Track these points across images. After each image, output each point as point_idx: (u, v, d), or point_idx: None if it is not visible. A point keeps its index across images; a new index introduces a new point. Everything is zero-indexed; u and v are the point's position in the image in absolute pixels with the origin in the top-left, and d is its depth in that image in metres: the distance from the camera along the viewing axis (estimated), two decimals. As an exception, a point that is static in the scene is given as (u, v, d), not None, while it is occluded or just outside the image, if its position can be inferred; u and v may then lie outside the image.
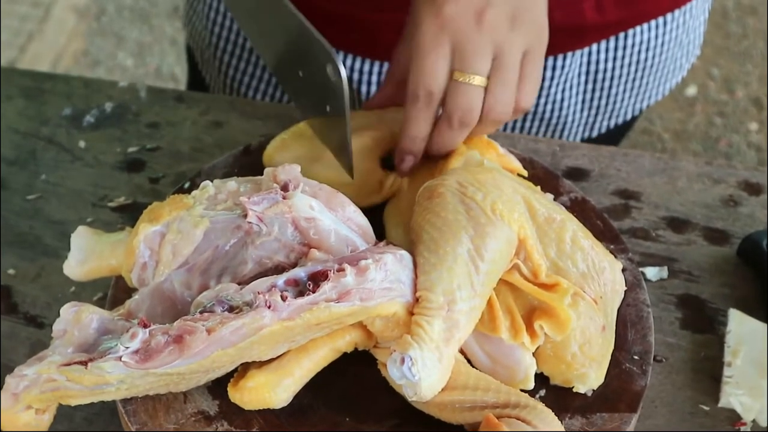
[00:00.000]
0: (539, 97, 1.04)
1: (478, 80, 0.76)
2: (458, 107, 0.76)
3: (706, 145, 2.44)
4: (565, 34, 1.00)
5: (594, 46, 1.03)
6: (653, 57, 1.07)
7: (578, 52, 1.03)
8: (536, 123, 1.07)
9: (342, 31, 1.00)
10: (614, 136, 1.16)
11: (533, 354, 0.72)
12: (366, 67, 1.02)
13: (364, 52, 1.01)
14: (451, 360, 0.69)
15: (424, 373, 0.66)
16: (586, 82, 1.06)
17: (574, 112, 1.08)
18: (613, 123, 1.12)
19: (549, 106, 1.06)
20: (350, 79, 1.03)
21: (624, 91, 1.08)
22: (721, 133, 2.50)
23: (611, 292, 0.75)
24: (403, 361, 0.66)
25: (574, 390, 0.73)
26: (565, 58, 1.02)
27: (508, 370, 0.72)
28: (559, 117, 1.07)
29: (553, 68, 1.03)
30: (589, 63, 1.04)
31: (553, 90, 1.04)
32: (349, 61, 1.02)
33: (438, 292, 0.69)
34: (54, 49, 2.59)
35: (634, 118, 1.15)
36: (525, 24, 0.76)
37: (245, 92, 1.09)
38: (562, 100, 1.06)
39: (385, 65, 1.02)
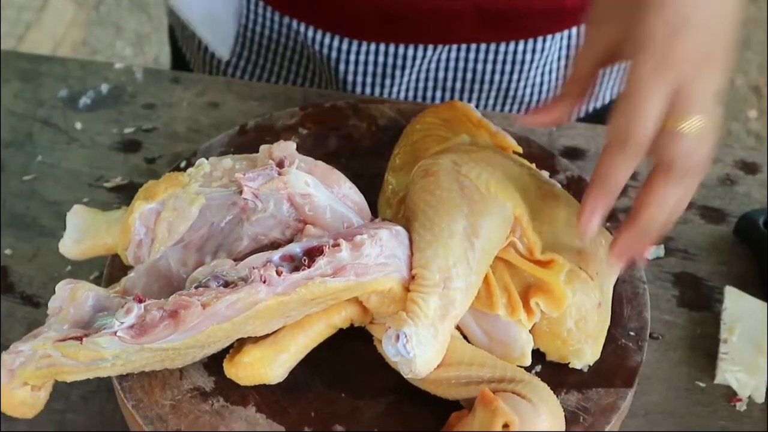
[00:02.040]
0: (519, 80, 1.04)
1: (697, 125, 0.64)
2: (676, 157, 0.65)
3: (705, 133, 2.44)
4: (546, 17, 1.00)
5: (574, 29, 1.03)
6: None
7: (558, 35, 1.03)
8: (515, 106, 1.07)
9: (322, 10, 1.00)
10: (598, 119, 1.15)
11: (529, 331, 0.72)
12: (344, 46, 1.02)
13: (345, 31, 1.01)
14: (446, 337, 0.69)
15: (419, 350, 0.66)
16: (567, 66, 1.05)
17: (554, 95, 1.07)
18: (591, 107, 1.11)
19: (528, 90, 1.06)
20: (328, 57, 1.03)
21: (603, 74, 1.07)
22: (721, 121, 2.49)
23: (607, 269, 0.75)
24: (398, 338, 0.66)
25: (570, 366, 0.73)
26: (545, 41, 1.02)
27: (504, 347, 0.72)
28: (538, 100, 1.07)
29: (533, 51, 1.02)
30: (569, 46, 1.04)
31: (532, 73, 1.04)
32: (327, 40, 1.01)
33: (433, 269, 0.69)
34: (52, 38, 2.58)
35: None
36: (717, 57, 0.66)
37: (224, 70, 1.09)
38: (542, 83, 1.06)
39: (364, 44, 1.01)
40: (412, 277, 0.70)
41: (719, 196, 0.92)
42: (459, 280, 0.69)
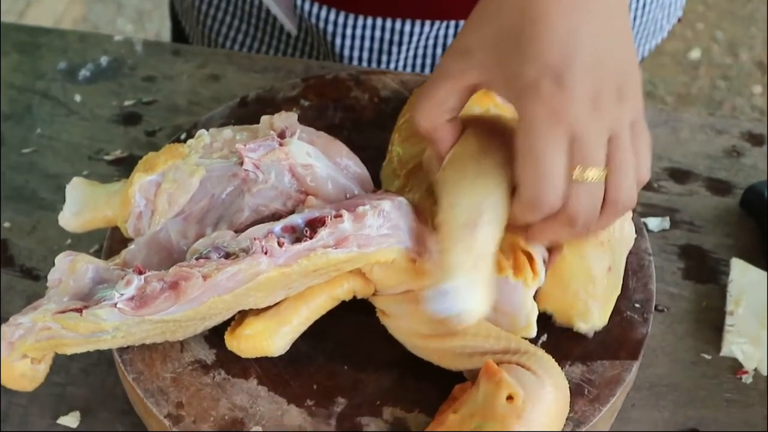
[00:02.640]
0: None
1: (598, 174, 0.63)
2: (583, 209, 0.64)
3: (709, 109, 2.43)
4: None
5: None
6: (633, 18, 1.05)
7: None
8: None
9: None
10: None
11: (538, 294, 0.71)
12: (341, 20, 1.00)
13: (342, 4, 1.00)
14: (487, 278, 0.66)
15: (463, 302, 0.64)
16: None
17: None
18: None
19: None
20: (325, 31, 1.01)
21: None
22: (725, 96, 2.48)
23: (619, 237, 0.74)
24: (439, 295, 0.64)
25: (576, 329, 0.72)
26: None
27: (509, 317, 0.71)
28: None
29: None
30: None
31: None
32: (324, 13, 1.00)
33: (458, 211, 0.67)
34: (53, 15, 2.57)
35: None
36: (629, 94, 0.64)
37: (223, 43, 1.08)
38: None
39: (361, 18, 1.00)
40: (437, 227, 0.67)
41: (725, 167, 0.91)
42: (486, 214, 0.66)
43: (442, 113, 0.68)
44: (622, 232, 0.74)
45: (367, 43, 1.03)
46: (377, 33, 1.02)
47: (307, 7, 1.01)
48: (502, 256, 0.70)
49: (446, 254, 0.65)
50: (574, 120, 0.62)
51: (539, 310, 0.71)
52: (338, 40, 1.02)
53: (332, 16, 1.01)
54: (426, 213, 0.72)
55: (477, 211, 0.66)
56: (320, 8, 1.00)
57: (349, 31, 1.02)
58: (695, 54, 2.56)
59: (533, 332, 0.71)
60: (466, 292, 0.64)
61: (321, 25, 1.01)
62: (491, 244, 0.66)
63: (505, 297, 0.70)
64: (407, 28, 1.00)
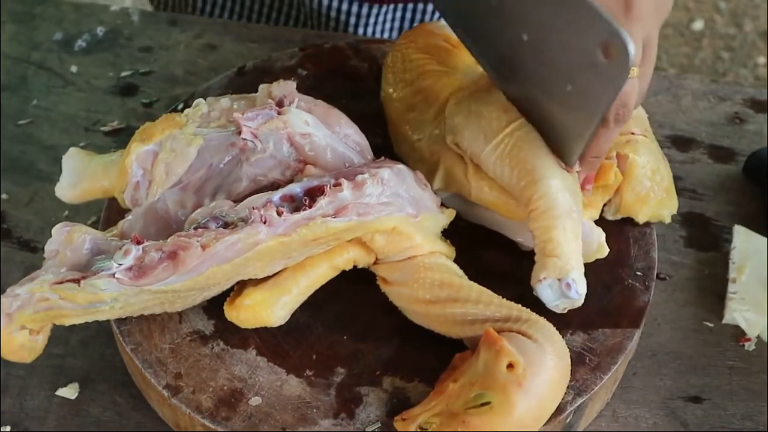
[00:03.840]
0: None
1: (637, 71, 0.67)
2: (617, 104, 0.66)
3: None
4: None
5: None
6: None
7: None
8: None
9: None
10: None
11: (619, 211, 0.76)
12: (364, 11, 1.01)
13: None
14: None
15: (582, 288, 0.66)
16: None
17: None
18: None
19: None
20: (347, 23, 1.02)
21: None
22: (728, 67, 2.46)
23: (647, 128, 0.78)
24: (568, 286, 0.66)
25: (660, 221, 0.77)
26: None
27: (584, 245, 0.71)
28: None
29: None
30: None
31: None
32: (345, 6, 1.00)
33: (561, 197, 0.68)
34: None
35: None
36: (664, 7, 0.70)
37: (220, 14, 1.07)
38: None
39: (384, 7, 1.00)
40: (532, 212, 0.68)
41: (727, 134, 0.90)
42: (578, 195, 0.70)
43: None
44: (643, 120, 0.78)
45: (388, 26, 1.04)
46: (398, 14, 1.02)
47: (325, 1, 1.00)
48: None
49: (562, 244, 0.66)
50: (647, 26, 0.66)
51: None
52: (360, 30, 1.03)
53: (354, 9, 1.01)
54: None
55: (572, 196, 0.69)
56: (340, 2, 1.00)
57: (372, 20, 1.02)
58: (698, 25, 2.53)
59: (606, 251, 0.72)
60: (582, 278, 0.66)
61: (343, 17, 1.01)
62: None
63: None
64: (430, 7, 1.00)
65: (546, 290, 0.66)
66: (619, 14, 0.65)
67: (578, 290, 0.66)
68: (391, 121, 0.81)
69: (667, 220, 0.76)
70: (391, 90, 0.81)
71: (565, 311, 0.68)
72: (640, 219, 0.76)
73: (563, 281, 0.66)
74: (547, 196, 0.68)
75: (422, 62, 0.80)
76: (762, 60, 2.48)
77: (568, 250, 0.66)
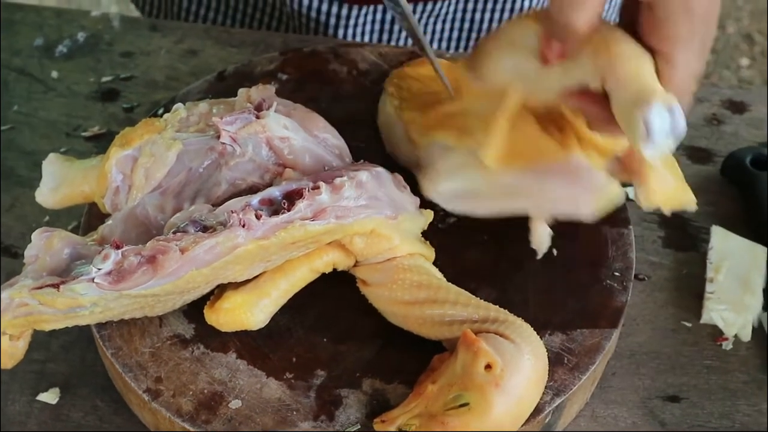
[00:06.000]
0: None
1: None
2: None
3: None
4: None
5: None
6: None
7: None
8: None
9: None
10: None
11: (648, 201, 0.70)
12: (344, 12, 1.01)
13: None
14: None
15: (683, 119, 0.60)
16: None
17: None
18: None
19: None
20: (326, 24, 1.02)
21: None
22: (712, 68, 2.48)
23: None
24: (676, 112, 0.59)
25: (686, 209, 0.71)
26: None
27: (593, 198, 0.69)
28: None
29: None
30: None
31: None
32: (325, 6, 1.00)
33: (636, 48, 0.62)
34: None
35: None
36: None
37: (177, 13, 1.07)
38: None
39: (363, 8, 1.00)
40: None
41: (705, 135, 0.91)
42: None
43: None
44: None
45: (368, 27, 1.04)
46: (378, 16, 1.02)
47: (306, 2, 1.01)
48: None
49: (656, 82, 0.61)
50: None
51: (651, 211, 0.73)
52: (341, 31, 1.03)
53: (335, 9, 1.01)
54: None
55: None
56: (320, 2, 1.00)
57: (352, 21, 1.02)
58: (681, 26, 2.55)
59: (622, 199, 0.71)
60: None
61: (323, 18, 1.01)
62: None
63: (580, 180, 0.70)
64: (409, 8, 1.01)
65: (656, 119, 0.59)
66: None
67: (680, 118, 0.59)
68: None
69: (691, 209, 0.72)
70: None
71: (668, 152, 0.61)
72: (664, 208, 0.70)
73: (673, 107, 0.59)
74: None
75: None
76: (745, 62, 2.49)
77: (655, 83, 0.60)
